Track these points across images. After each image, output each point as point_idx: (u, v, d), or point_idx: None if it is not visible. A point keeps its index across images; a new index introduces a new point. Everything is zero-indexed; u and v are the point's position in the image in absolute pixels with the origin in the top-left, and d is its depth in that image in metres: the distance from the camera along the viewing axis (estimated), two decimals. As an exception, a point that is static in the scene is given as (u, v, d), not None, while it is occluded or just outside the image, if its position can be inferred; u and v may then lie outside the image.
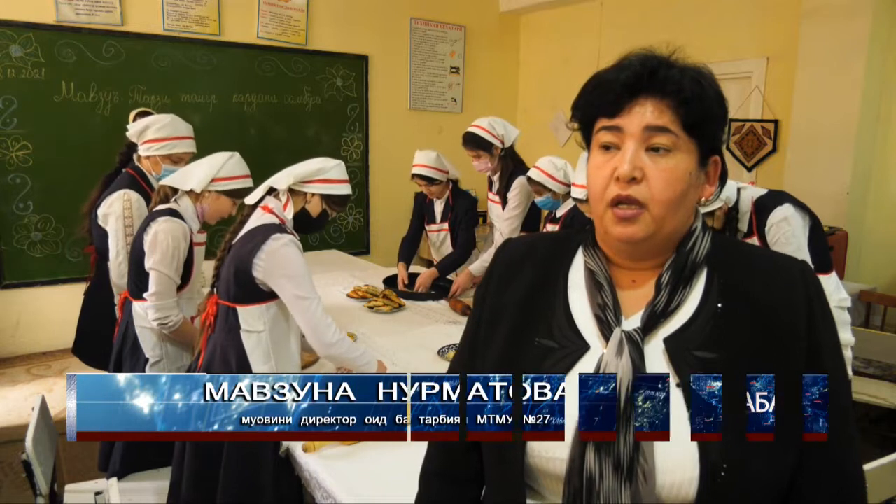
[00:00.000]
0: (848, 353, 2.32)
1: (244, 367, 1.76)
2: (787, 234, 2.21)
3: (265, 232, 1.78)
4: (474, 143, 3.13)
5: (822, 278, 2.31)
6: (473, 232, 3.42)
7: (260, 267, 1.75)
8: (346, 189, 1.98)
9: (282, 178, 1.91)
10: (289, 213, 1.89)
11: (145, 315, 2.20)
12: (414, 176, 3.25)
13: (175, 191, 2.20)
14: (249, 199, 1.94)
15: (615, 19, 5.25)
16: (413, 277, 3.43)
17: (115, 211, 2.54)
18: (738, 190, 2.34)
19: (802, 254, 2.22)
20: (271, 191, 1.93)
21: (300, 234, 1.94)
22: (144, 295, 2.15)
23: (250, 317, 1.80)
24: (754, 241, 2.30)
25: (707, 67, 0.80)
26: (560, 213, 2.90)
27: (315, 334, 1.78)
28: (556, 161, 2.86)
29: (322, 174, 1.92)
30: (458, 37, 5.90)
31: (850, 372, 2.35)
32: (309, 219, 1.95)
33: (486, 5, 5.98)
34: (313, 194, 1.92)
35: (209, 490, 1.73)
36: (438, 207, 3.43)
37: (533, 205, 3.14)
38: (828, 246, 2.41)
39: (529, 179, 2.87)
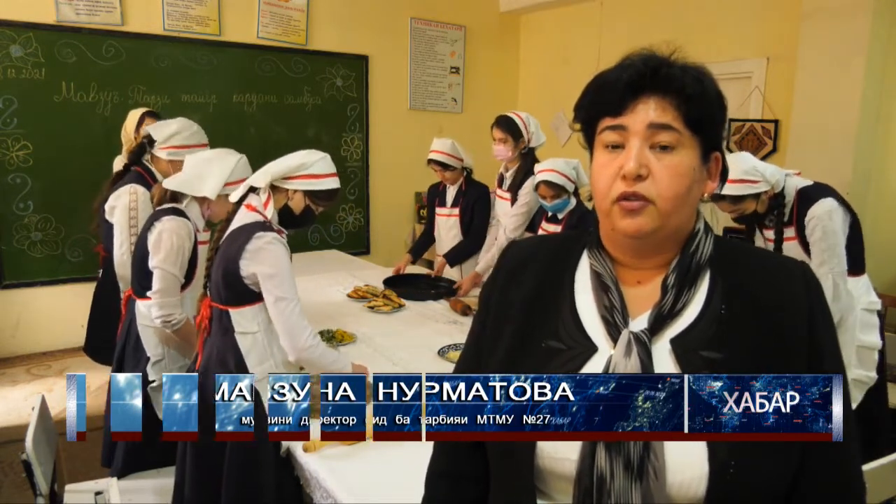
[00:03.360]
0: (874, 356, 2.28)
1: (242, 368, 1.74)
2: (827, 229, 2.18)
3: (249, 231, 1.76)
4: (507, 126, 3.17)
5: (854, 280, 2.29)
6: (487, 221, 3.47)
7: (245, 266, 1.74)
8: (330, 184, 1.90)
9: (259, 177, 1.86)
10: (269, 212, 1.83)
11: (148, 314, 2.20)
12: (430, 161, 3.37)
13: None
14: (233, 197, 1.90)
15: (615, 19, 5.25)
16: (414, 276, 3.47)
17: (122, 203, 2.57)
18: (785, 177, 2.30)
19: (837, 251, 2.19)
20: (254, 189, 1.89)
21: (289, 230, 1.91)
22: (148, 293, 2.15)
23: (243, 319, 1.77)
24: (791, 230, 2.27)
25: (706, 68, 0.81)
26: (561, 214, 2.91)
27: (289, 336, 1.73)
28: (570, 161, 2.87)
29: (303, 170, 1.85)
30: (458, 37, 5.90)
31: (873, 374, 2.29)
32: (293, 216, 1.90)
33: (486, 5, 5.98)
34: (295, 191, 1.87)
35: (212, 491, 1.73)
36: (451, 193, 3.53)
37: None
38: (863, 247, 2.37)
39: (550, 184, 2.83)
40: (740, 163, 2.22)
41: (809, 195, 2.25)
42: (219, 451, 1.73)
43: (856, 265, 2.30)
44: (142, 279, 2.22)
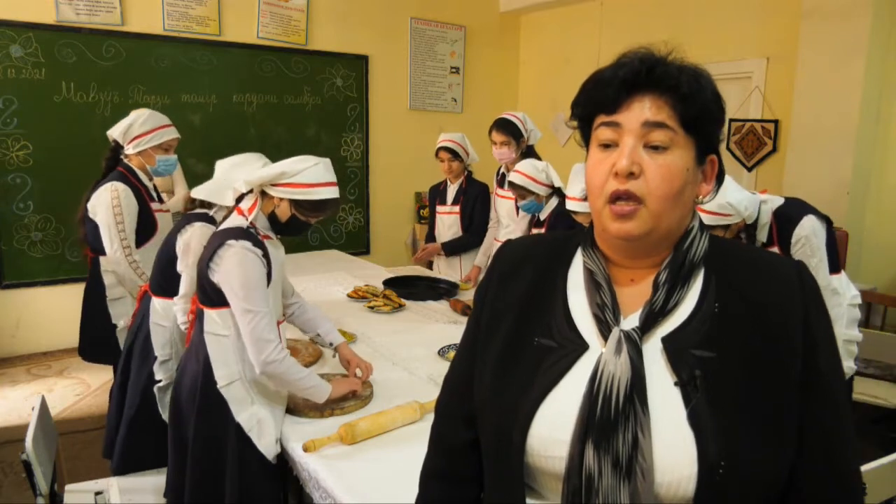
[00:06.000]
0: (854, 349, 2.35)
1: (209, 368, 1.72)
2: (814, 246, 2.21)
3: (224, 236, 1.72)
4: (508, 128, 3.21)
5: (835, 278, 2.31)
6: (487, 218, 3.53)
7: (214, 271, 1.71)
8: (318, 194, 1.76)
9: (241, 180, 1.80)
10: (252, 216, 1.77)
11: (163, 313, 2.22)
12: (440, 150, 3.43)
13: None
14: (228, 201, 1.88)
15: (615, 19, 5.25)
16: (414, 276, 3.52)
17: (104, 201, 2.58)
18: (760, 204, 2.32)
19: (823, 265, 2.22)
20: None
21: (282, 235, 1.87)
22: (175, 298, 2.16)
23: (212, 321, 1.74)
24: (775, 251, 2.29)
25: (704, 68, 0.81)
26: (543, 216, 2.91)
27: (254, 348, 1.67)
28: (538, 164, 2.89)
29: (287, 178, 1.74)
30: (458, 37, 5.90)
31: (853, 365, 2.37)
32: (279, 222, 1.82)
33: (486, 5, 5.98)
34: (280, 199, 1.78)
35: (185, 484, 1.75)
36: (451, 191, 3.58)
37: None
38: (836, 246, 2.40)
39: (512, 184, 2.88)
40: (717, 196, 2.21)
41: (789, 216, 2.26)
42: (188, 441, 1.75)
43: (835, 264, 2.33)
44: (162, 279, 2.23)
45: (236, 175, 2.06)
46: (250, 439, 1.70)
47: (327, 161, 1.82)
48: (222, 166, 2.12)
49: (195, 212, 2.18)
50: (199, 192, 2.10)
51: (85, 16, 4.23)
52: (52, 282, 4.36)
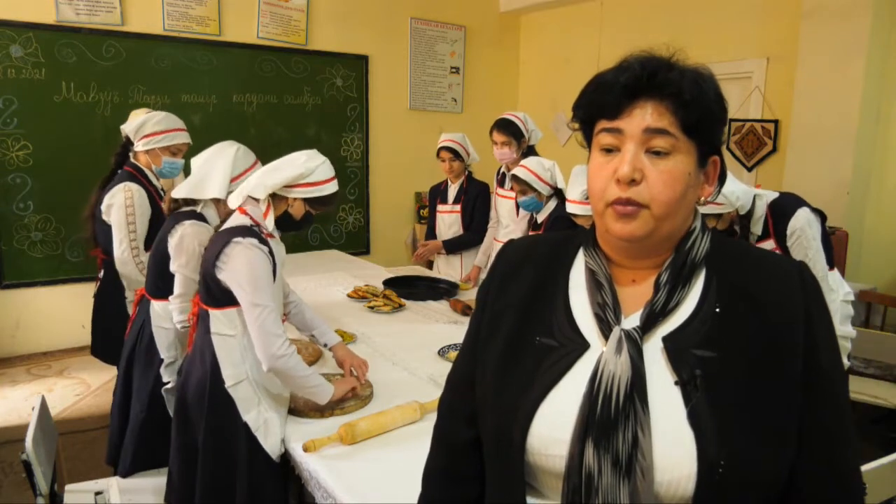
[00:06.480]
0: (847, 345, 2.37)
1: (216, 368, 1.73)
2: (809, 237, 2.24)
3: (230, 235, 1.74)
4: (509, 129, 3.21)
5: (830, 274, 2.34)
6: (487, 217, 3.58)
7: (221, 269, 1.72)
8: (331, 188, 1.86)
9: (259, 188, 1.81)
10: (269, 221, 1.80)
11: (164, 315, 2.21)
12: (441, 150, 3.45)
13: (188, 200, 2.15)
14: (232, 204, 1.88)
15: (615, 19, 5.25)
16: (414, 276, 3.53)
17: (117, 202, 2.57)
18: (755, 197, 2.34)
19: (819, 256, 2.24)
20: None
21: (285, 232, 1.89)
22: (170, 298, 2.15)
23: (218, 321, 1.75)
24: (770, 243, 2.31)
25: (707, 68, 0.80)
26: (541, 218, 2.90)
27: (262, 344, 1.68)
28: (545, 162, 2.87)
29: (305, 178, 1.81)
30: (458, 37, 5.90)
31: (847, 362, 2.39)
32: (292, 221, 1.87)
33: (486, 5, 5.98)
34: (296, 198, 1.84)
35: (195, 482, 1.75)
36: (452, 191, 3.61)
37: None
38: (830, 243, 2.44)
39: (515, 178, 2.87)
40: None
41: (783, 209, 2.29)
42: (197, 443, 1.75)
43: (829, 261, 2.36)
44: (158, 280, 2.22)
45: (215, 165, 2.09)
46: (257, 439, 1.70)
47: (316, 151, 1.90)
48: (197, 162, 2.13)
49: (182, 210, 2.16)
50: (180, 192, 2.11)
51: (85, 16, 4.23)
52: (52, 282, 4.36)
